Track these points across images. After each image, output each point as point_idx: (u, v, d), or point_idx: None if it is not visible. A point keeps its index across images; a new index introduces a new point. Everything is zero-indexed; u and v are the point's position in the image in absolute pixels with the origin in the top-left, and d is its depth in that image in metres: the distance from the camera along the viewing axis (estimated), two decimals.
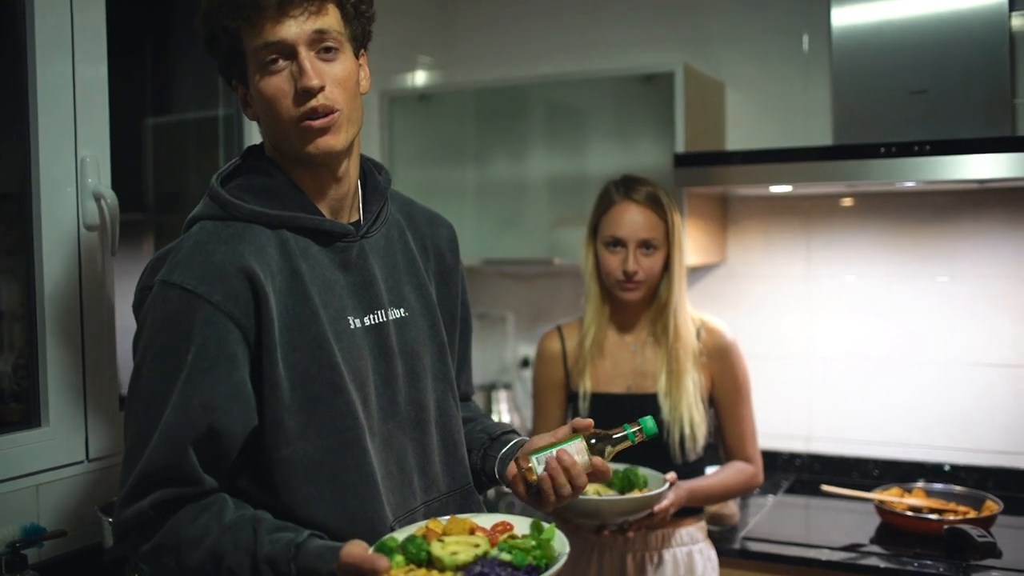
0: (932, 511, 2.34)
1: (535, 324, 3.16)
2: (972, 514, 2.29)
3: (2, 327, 2.04)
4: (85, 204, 1.99)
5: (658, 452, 2.14)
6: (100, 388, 2.03)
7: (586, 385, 2.22)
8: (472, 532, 1.31)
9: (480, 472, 1.57)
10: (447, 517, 1.34)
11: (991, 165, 2.14)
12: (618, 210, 2.17)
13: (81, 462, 1.99)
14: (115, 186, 2.03)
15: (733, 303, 2.89)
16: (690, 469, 2.19)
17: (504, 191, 2.91)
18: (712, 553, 2.23)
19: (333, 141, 1.36)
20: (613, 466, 2.07)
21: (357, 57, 1.42)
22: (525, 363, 3.19)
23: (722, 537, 2.32)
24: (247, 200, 1.38)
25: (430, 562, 1.23)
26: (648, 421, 1.44)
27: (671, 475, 2.04)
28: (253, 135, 2.55)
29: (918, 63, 2.37)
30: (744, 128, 2.88)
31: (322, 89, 1.33)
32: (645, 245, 2.15)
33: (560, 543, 1.28)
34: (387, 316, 1.45)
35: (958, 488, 2.45)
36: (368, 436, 1.38)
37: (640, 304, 2.22)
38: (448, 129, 2.97)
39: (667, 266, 2.19)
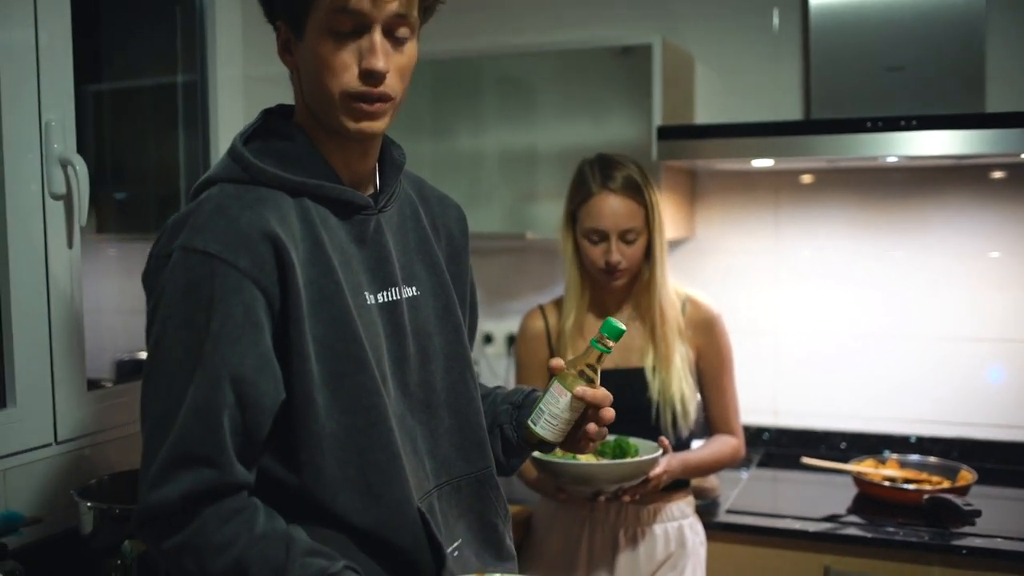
0: (907, 481, 2.38)
1: (499, 300, 3.12)
2: (947, 484, 2.34)
3: None
4: (50, 171, 1.88)
5: (653, 432, 2.12)
6: (68, 368, 1.92)
7: None
8: None
9: (519, 446, 1.53)
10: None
11: (972, 141, 2.17)
12: (597, 202, 2.11)
13: (49, 445, 1.88)
14: None
15: (701, 278, 2.88)
16: (681, 445, 2.18)
17: (467, 165, 2.85)
18: (700, 527, 2.23)
19: (377, 126, 1.32)
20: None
21: (417, 40, 1.37)
22: (488, 339, 3.15)
23: (706, 511, 2.32)
24: (269, 164, 1.31)
25: None
26: (608, 323, 1.39)
27: (664, 440, 2.03)
28: (220, 104, 2.44)
29: (895, 40, 2.39)
30: (713, 103, 2.88)
31: (386, 75, 1.27)
32: (626, 234, 2.11)
33: None
34: (400, 294, 1.40)
35: (932, 459, 2.50)
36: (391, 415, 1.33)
37: (624, 285, 2.20)
38: (406, 103, 2.88)
39: (649, 247, 2.16)
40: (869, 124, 2.19)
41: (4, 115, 1.80)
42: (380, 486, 1.29)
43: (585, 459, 1.98)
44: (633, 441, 2.03)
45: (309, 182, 1.31)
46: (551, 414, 1.41)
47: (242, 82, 2.49)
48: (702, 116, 2.89)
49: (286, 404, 1.25)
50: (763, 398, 2.88)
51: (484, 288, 3.11)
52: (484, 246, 3.10)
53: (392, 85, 1.29)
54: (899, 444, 2.72)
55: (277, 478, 1.27)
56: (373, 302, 1.35)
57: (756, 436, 2.87)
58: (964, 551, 2.07)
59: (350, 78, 1.27)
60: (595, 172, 2.13)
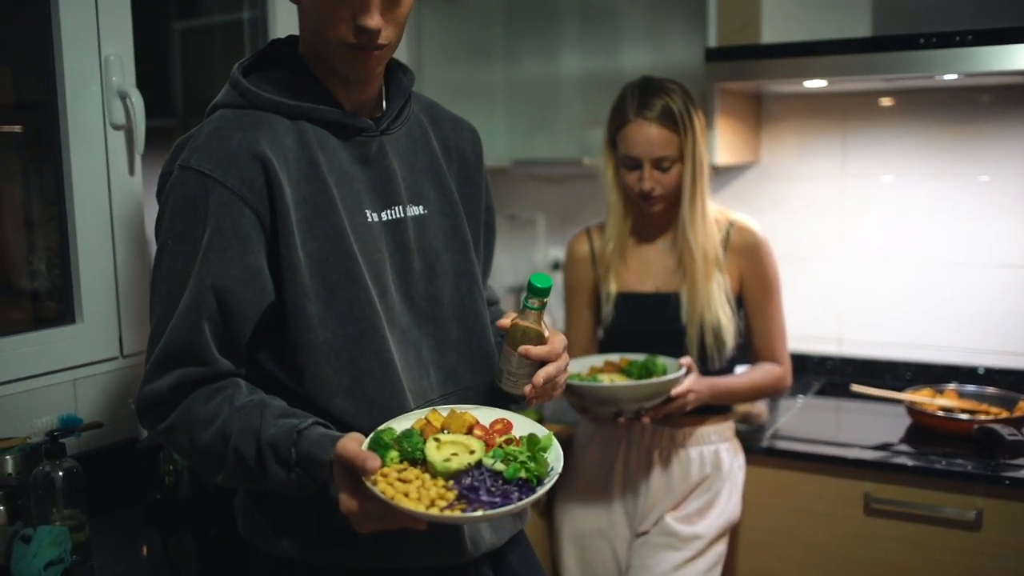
0: (964, 412, 2.32)
1: (566, 226, 3.14)
2: (1004, 414, 2.27)
3: (35, 227, 2.06)
4: (110, 103, 2.00)
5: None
6: (132, 286, 2.06)
7: (610, 287, 2.21)
8: (470, 430, 1.30)
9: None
10: (447, 409, 1.34)
11: None
12: (631, 129, 2.10)
13: (116, 358, 2.04)
14: (144, 91, 2.02)
15: (766, 204, 2.84)
16: (719, 373, 2.18)
17: (534, 91, 2.87)
18: (740, 452, 2.24)
19: (373, 69, 1.38)
20: (632, 356, 2.10)
21: None
22: (556, 266, 3.18)
23: (750, 436, 2.32)
24: (267, 90, 1.38)
25: (424, 460, 1.23)
26: (532, 279, 1.40)
27: (686, 359, 2.04)
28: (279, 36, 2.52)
29: None
30: (781, 22, 2.78)
31: (380, 30, 1.32)
32: (660, 162, 2.10)
33: (555, 456, 1.26)
34: (405, 212, 1.46)
35: (991, 389, 2.42)
36: (387, 325, 1.39)
37: (666, 208, 2.19)
38: (476, 29, 2.92)
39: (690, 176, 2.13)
40: (922, 40, 2.09)
41: (66, 49, 1.92)
42: (374, 392, 1.37)
43: (607, 379, 2.01)
44: (661, 361, 2.05)
45: (303, 105, 1.38)
46: (508, 372, 1.45)
47: None
48: (769, 36, 2.80)
49: (281, 314, 1.34)
50: (827, 327, 2.83)
51: (550, 214, 3.15)
52: (550, 172, 3.13)
53: (386, 35, 1.34)
54: (966, 375, 2.64)
55: (281, 383, 1.38)
56: (375, 220, 1.42)
57: (819, 365, 2.83)
58: (1007, 482, 2.02)
59: (345, 31, 1.32)
60: (634, 98, 2.12)
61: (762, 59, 2.32)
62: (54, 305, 2.03)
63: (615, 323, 2.20)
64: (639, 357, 2.07)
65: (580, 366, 2.13)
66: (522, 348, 1.42)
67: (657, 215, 2.20)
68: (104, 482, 1.90)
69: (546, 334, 1.44)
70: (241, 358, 1.35)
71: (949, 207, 2.67)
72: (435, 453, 1.22)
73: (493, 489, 1.19)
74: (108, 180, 2.02)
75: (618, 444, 2.20)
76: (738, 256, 2.20)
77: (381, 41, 1.34)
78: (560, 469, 1.24)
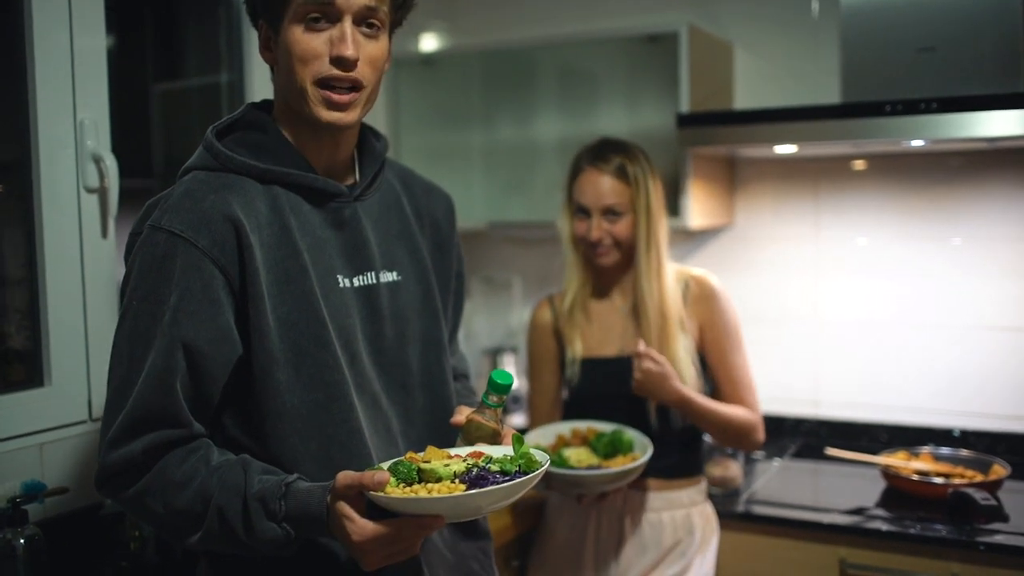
0: (939, 475, 2.31)
1: (542, 288, 3.14)
2: (979, 478, 2.27)
3: (6, 288, 2.05)
4: (84, 166, 2.01)
5: (650, 419, 2.13)
6: (103, 349, 2.04)
7: (575, 352, 2.20)
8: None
9: None
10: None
11: (1001, 123, 2.09)
12: (584, 178, 2.13)
13: (84, 421, 2.01)
14: (123, 153, 2.03)
15: (741, 266, 2.86)
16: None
17: (511, 155, 2.90)
18: (713, 516, 2.22)
19: (347, 117, 1.38)
20: (600, 427, 2.09)
21: (390, 38, 1.43)
22: None
23: (725, 500, 2.31)
24: (240, 153, 1.39)
25: (421, 480, 1.25)
26: (493, 375, 1.40)
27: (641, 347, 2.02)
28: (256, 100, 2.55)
29: (926, 20, 2.30)
30: (753, 89, 2.84)
31: (356, 62, 1.33)
32: (609, 212, 2.11)
33: (540, 456, 1.31)
34: (378, 278, 1.46)
35: (965, 452, 2.42)
36: (355, 392, 1.39)
37: (621, 266, 2.20)
38: (454, 93, 2.95)
39: (643, 234, 2.13)
40: (888, 108, 2.13)
41: (41, 113, 1.93)
42: (340, 459, 1.36)
43: (573, 455, 2.00)
44: (628, 435, 2.04)
45: (276, 169, 1.38)
46: None
47: None
48: (742, 102, 2.85)
49: (249, 379, 1.33)
50: (803, 389, 2.83)
51: (526, 276, 3.16)
52: (526, 235, 3.15)
53: (363, 72, 1.36)
54: (942, 437, 2.63)
55: (245, 447, 1.36)
56: (348, 285, 1.42)
57: (795, 427, 2.83)
58: (982, 547, 2.01)
59: (321, 65, 1.34)
60: (590, 151, 2.16)
61: (732, 125, 2.36)
62: (22, 367, 2.02)
63: (579, 388, 2.20)
64: (606, 428, 2.06)
65: (547, 435, 2.12)
66: (479, 447, 1.40)
67: (612, 272, 2.20)
68: (69, 549, 1.86)
69: (501, 431, 1.42)
70: (208, 420, 1.34)
71: (922, 269, 2.69)
72: (433, 464, 1.27)
73: (499, 477, 1.25)
74: (80, 242, 2.01)
75: (589, 511, 2.18)
76: (696, 307, 2.19)
77: (357, 76, 1.35)
78: (548, 462, 1.29)
